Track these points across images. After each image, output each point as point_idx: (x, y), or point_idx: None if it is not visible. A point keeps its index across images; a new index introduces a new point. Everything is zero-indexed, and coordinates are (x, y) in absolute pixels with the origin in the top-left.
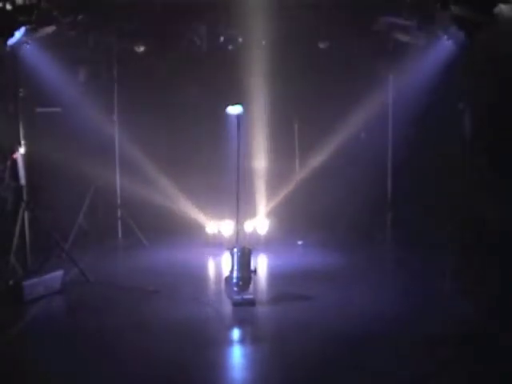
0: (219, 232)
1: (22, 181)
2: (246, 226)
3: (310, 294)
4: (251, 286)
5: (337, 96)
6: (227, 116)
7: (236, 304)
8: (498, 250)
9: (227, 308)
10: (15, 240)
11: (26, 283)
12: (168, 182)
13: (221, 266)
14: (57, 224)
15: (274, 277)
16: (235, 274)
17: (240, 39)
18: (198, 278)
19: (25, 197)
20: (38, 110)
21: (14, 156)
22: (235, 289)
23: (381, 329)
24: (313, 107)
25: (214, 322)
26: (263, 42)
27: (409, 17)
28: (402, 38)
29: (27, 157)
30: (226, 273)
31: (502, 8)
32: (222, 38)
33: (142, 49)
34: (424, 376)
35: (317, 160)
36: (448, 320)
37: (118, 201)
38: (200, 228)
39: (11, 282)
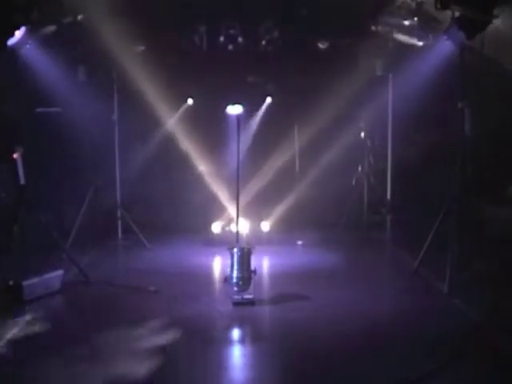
0: (220, 232)
1: (22, 180)
2: (246, 226)
3: (310, 294)
4: (251, 286)
5: (337, 96)
6: (227, 116)
7: (236, 304)
8: (498, 250)
9: (227, 308)
10: (15, 240)
11: (26, 283)
12: (167, 181)
13: (221, 265)
14: (57, 224)
15: (274, 277)
16: (235, 274)
17: (240, 39)
18: (198, 277)
19: (25, 196)
20: (38, 110)
21: (14, 156)
22: (235, 289)
23: (381, 328)
24: (313, 107)
25: (213, 322)
26: (263, 42)
27: (409, 17)
28: (402, 38)
29: (27, 156)
30: (226, 272)
31: None
32: (221, 38)
33: (142, 49)
34: (424, 376)
35: (316, 160)
36: (448, 320)
37: (118, 201)
38: (200, 227)
39: (11, 282)
